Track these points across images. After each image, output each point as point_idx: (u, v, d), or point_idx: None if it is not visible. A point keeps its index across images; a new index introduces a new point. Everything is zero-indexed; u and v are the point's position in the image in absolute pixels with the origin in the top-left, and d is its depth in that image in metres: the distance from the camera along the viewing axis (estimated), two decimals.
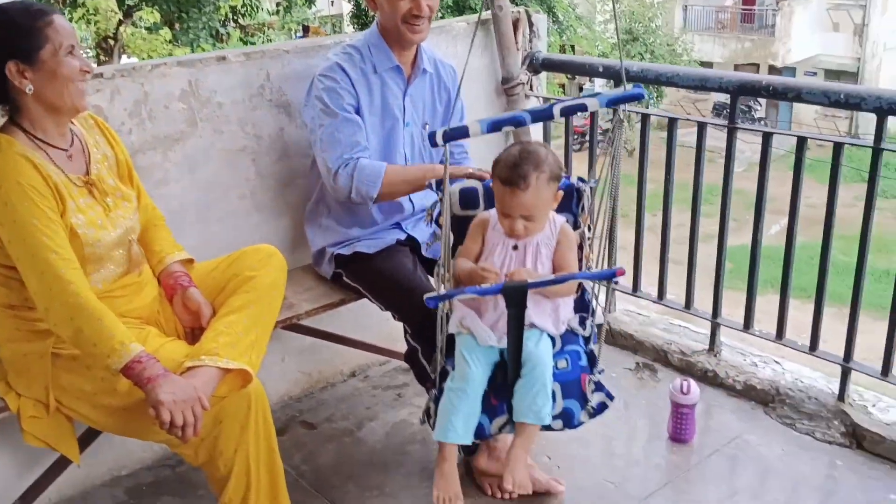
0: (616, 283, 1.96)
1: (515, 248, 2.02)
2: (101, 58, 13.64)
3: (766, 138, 2.65)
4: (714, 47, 23.20)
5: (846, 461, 2.45)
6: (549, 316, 2.01)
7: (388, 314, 2.40)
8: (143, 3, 12.93)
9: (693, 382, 2.54)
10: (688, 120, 3.03)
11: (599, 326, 2.10)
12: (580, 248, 2.09)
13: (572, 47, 18.46)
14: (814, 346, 2.69)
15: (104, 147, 2.01)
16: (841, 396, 2.60)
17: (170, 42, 12.76)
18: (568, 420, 1.99)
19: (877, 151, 2.39)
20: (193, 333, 2.06)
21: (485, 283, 1.92)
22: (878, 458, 2.45)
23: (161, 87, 2.37)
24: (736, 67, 21.02)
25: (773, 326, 2.79)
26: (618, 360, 3.01)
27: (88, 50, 14.16)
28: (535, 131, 3.16)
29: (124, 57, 13.62)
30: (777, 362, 2.85)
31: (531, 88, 3.19)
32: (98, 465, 2.47)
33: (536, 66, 3.18)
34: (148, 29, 13.30)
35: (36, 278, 1.74)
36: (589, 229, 2.12)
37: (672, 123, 2.87)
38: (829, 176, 2.49)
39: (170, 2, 12.51)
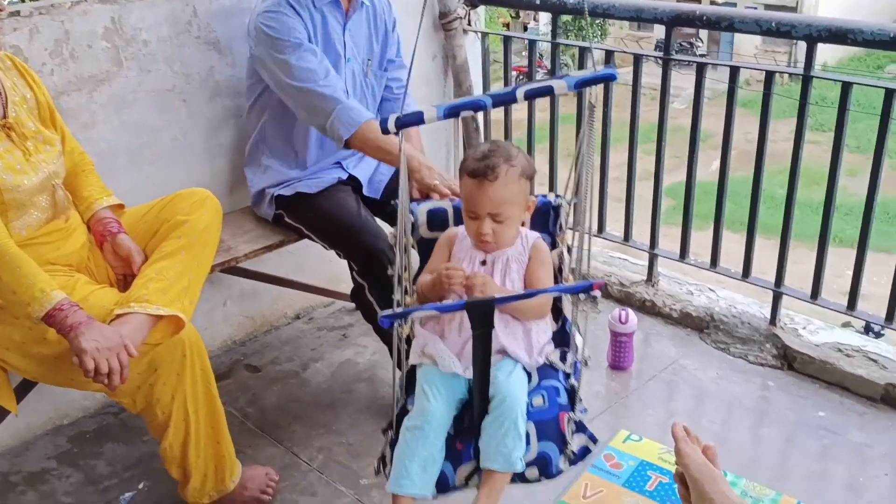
0: (594, 298, 1.62)
1: (484, 263, 1.79)
2: None
3: (700, 69, 2.67)
4: None
5: (778, 382, 2.55)
6: (520, 341, 1.73)
7: (331, 255, 2.39)
8: None
9: (631, 312, 2.60)
10: (624, 52, 3.05)
11: (584, 361, 1.79)
12: (559, 271, 1.86)
13: None
14: (746, 272, 2.77)
15: (23, 89, 1.93)
16: (773, 321, 2.69)
17: None
18: (544, 467, 1.65)
19: (806, 79, 2.43)
20: (125, 280, 2.02)
21: (450, 290, 1.69)
22: (807, 378, 2.55)
23: (82, 25, 2.28)
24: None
25: (709, 257, 2.86)
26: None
27: None
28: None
29: None
30: (712, 290, 2.93)
31: (469, 23, 3.15)
32: (39, 415, 2.44)
33: None
34: None
35: None
36: (568, 250, 1.87)
37: (609, 56, 2.87)
38: (761, 104, 2.53)
39: None
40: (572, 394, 1.73)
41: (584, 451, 1.69)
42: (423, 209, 1.95)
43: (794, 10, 21.80)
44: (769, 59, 20.14)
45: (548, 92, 1.54)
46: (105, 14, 2.31)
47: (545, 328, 1.80)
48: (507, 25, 18.44)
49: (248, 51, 2.39)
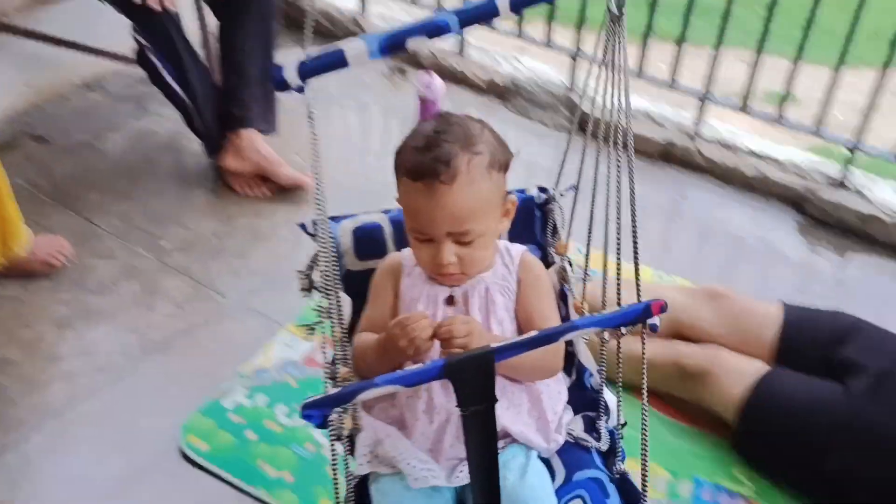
0: (654, 329, 1.01)
1: (451, 301, 1.19)
2: None
3: None
4: None
5: (572, 145, 2.70)
6: (530, 416, 1.17)
7: (123, 20, 2.19)
8: None
9: (436, 76, 2.61)
10: None
11: (621, 427, 1.23)
12: (561, 297, 1.33)
13: None
14: (547, 42, 2.84)
15: None
16: (570, 87, 2.81)
17: None
18: None
19: None
20: None
21: (411, 351, 1.07)
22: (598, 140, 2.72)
23: None
24: None
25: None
26: (370, 65, 3.02)
27: None
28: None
29: None
30: (517, 59, 3.00)
31: None
32: None
33: None
34: None
35: None
36: (570, 265, 1.35)
37: None
38: None
39: None
40: (626, 488, 1.16)
41: None
42: (345, 228, 1.38)
43: None
44: None
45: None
46: None
47: (558, 387, 1.22)
48: None
49: None
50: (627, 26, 1.09)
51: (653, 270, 2.17)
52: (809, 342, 1.73)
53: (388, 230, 1.39)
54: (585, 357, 1.29)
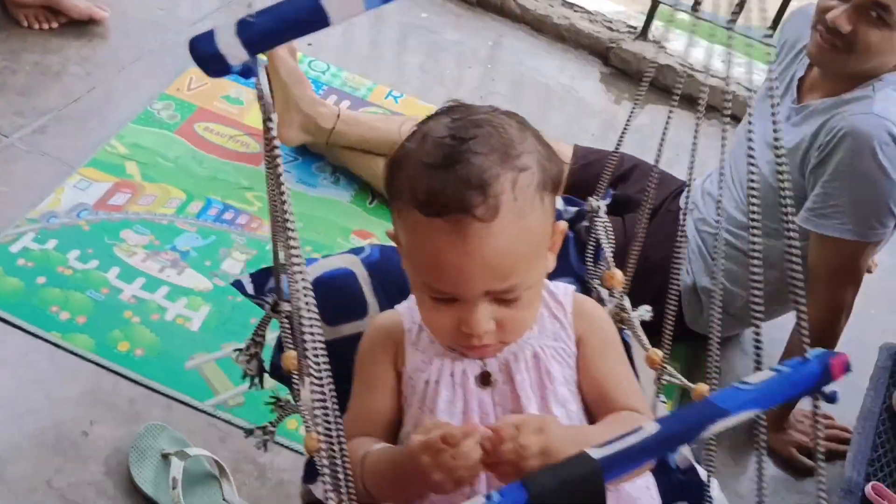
0: (833, 400, 0.63)
1: (487, 380, 0.84)
2: None
3: None
4: None
5: None
6: None
7: None
8: None
9: None
10: None
11: None
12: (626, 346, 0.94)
13: None
14: None
15: None
16: None
17: None
18: None
19: None
20: None
21: (453, 480, 0.71)
22: None
23: None
24: None
25: None
26: None
27: None
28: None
29: None
30: None
31: None
32: None
33: None
34: None
35: None
36: (628, 302, 0.99)
37: None
38: None
39: None
40: None
41: None
42: (310, 273, 0.83)
43: None
44: None
45: None
46: None
47: (644, 482, 0.87)
48: None
49: None
50: None
51: None
52: (593, 178, 1.84)
53: (363, 278, 0.99)
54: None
